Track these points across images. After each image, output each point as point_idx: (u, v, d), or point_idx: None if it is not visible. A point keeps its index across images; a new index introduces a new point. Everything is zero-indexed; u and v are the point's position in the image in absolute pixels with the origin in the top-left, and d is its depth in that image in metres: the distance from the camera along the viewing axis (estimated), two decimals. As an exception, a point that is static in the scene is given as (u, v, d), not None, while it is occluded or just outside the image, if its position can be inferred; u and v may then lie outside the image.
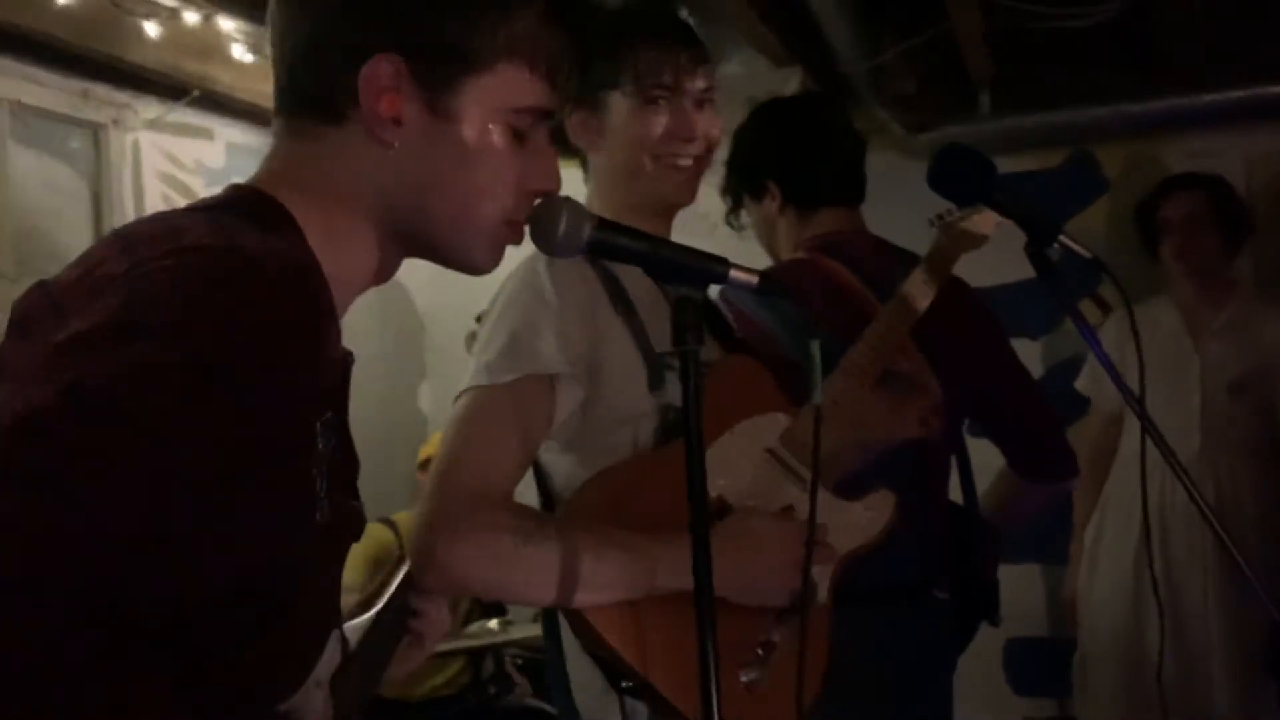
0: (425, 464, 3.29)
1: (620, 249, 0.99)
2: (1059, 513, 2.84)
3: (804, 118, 1.98)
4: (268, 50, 0.94)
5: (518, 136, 0.91)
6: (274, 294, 0.73)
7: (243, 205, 0.85)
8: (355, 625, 1.14)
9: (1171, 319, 2.83)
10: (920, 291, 1.58)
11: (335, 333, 0.83)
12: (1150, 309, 2.81)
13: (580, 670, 1.39)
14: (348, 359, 0.92)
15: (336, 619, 0.96)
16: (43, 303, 0.76)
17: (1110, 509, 2.84)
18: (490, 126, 0.89)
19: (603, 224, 0.99)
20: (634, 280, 1.43)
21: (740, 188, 1.98)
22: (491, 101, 0.89)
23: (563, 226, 0.96)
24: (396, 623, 1.21)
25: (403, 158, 0.88)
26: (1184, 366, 2.78)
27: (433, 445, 3.27)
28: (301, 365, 0.74)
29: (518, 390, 1.30)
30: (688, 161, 1.48)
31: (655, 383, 1.41)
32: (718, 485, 1.40)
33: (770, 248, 1.99)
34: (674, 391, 1.38)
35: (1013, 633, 3.21)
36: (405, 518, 3.26)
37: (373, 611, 1.18)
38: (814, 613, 1.40)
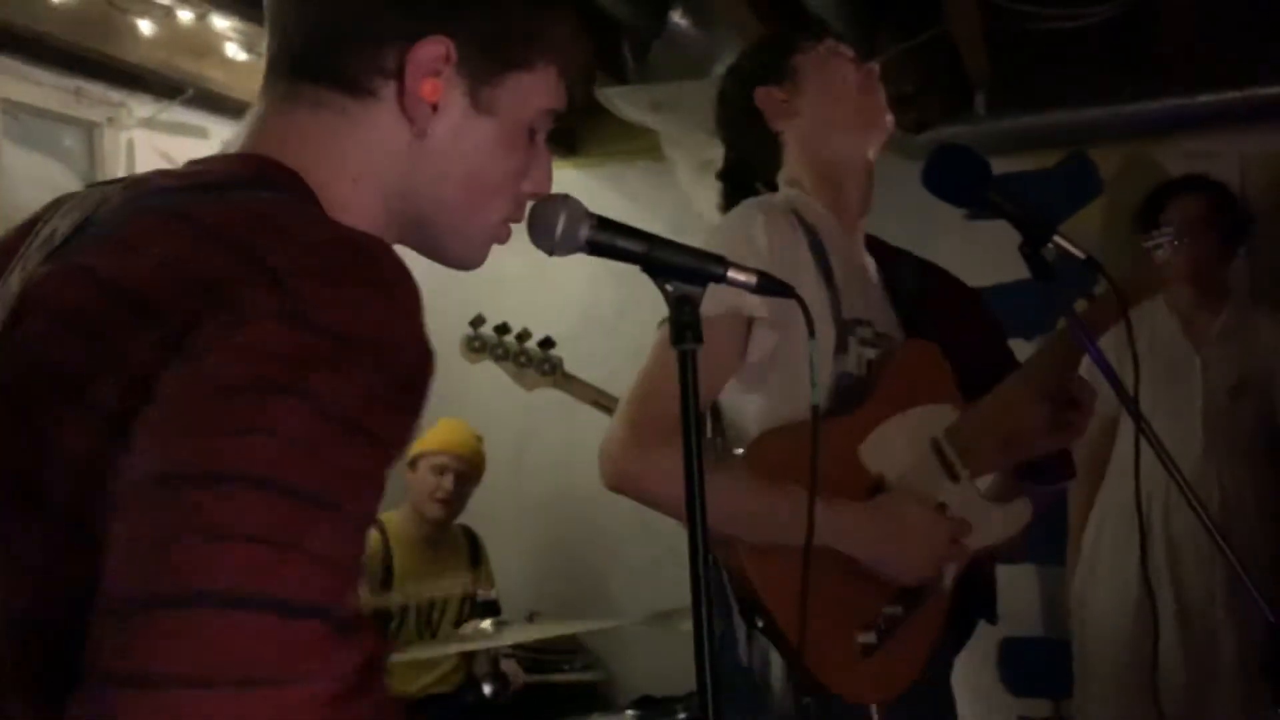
0: (412, 462, 3.25)
1: (619, 248, 0.99)
2: (1054, 514, 2.84)
3: None
4: (262, 48, 0.92)
5: (531, 137, 0.91)
6: (413, 287, 0.73)
7: (274, 182, 0.81)
8: None
9: (1168, 322, 2.83)
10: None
11: None
12: (1146, 312, 2.81)
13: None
14: None
15: None
16: (104, 298, 0.69)
17: (1111, 511, 2.84)
18: (519, 125, 0.89)
19: (602, 222, 0.99)
20: (835, 244, 1.56)
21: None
22: (526, 100, 0.89)
23: (561, 225, 0.96)
24: None
25: (431, 145, 0.86)
26: (1184, 370, 2.78)
27: (420, 443, 3.24)
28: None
29: (716, 325, 1.37)
30: None
31: (840, 347, 1.53)
32: (880, 465, 1.53)
33: None
34: (854, 360, 1.56)
35: (1008, 633, 3.21)
36: (392, 517, 3.24)
37: None
38: (935, 599, 1.55)
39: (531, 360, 2.38)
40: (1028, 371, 1.61)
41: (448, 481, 3.22)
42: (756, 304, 1.43)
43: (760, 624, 1.45)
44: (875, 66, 1.70)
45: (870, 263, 1.70)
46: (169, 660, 0.57)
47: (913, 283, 1.83)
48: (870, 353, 1.58)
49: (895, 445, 1.54)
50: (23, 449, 0.68)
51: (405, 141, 0.86)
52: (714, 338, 1.40)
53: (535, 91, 0.89)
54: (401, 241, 0.91)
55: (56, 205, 0.82)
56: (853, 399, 1.54)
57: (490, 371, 2.42)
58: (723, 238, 1.48)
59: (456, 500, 3.25)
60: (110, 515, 0.62)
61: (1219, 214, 2.83)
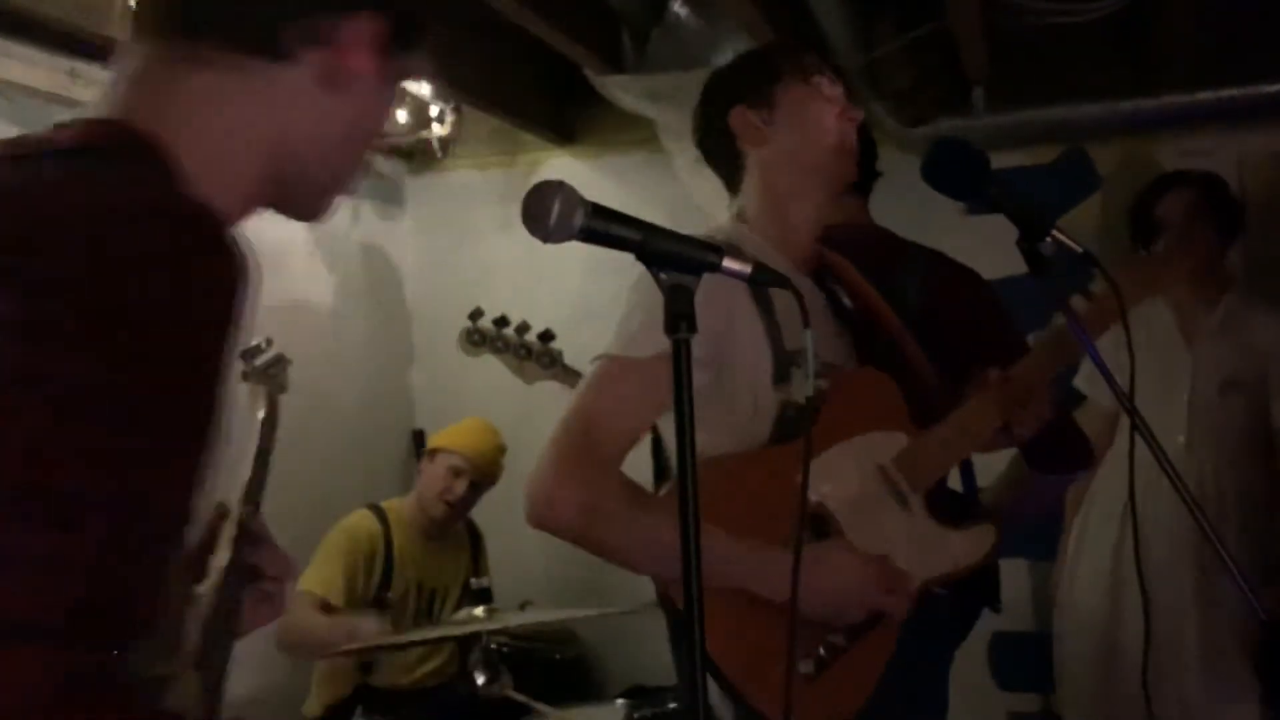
0: (431, 453, 3.24)
1: (613, 235, 0.99)
2: (1047, 509, 2.85)
3: None
4: None
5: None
6: (224, 261, 0.74)
7: (108, 150, 0.81)
8: (202, 595, 1.17)
9: (1164, 317, 2.83)
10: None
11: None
12: (1143, 306, 2.81)
13: None
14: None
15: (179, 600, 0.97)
16: None
17: (1096, 505, 2.85)
18: (382, 81, 0.95)
19: (596, 210, 0.98)
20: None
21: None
22: (398, 72, 0.95)
23: (556, 212, 0.96)
24: (238, 582, 1.21)
25: (333, 108, 0.91)
26: (1175, 364, 2.78)
27: (443, 436, 3.24)
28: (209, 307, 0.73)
29: (649, 366, 1.39)
30: None
31: (780, 377, 1.51)
32: (822, 491, 1.50)
33: None
34: (797, 389, 1.53)
35: (998, 627, 3.22)
36: (395, 505, 3.23)
37: (210, 579, 1.19)
38: (883, 629, 1.51)
39: (532, 353, 2.38)
40: (980, 390, 1.60)
41: (460, 486, 3.17)
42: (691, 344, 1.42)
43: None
44: (859, 114, 1.68)
45: (819, 296, 1.68)
46: None
47: (915, 274, 1.82)
48: (819, 383, 1.56)
49: (839, 472, 1.52)
50: None
51: (309, 104, 0.89)
52: (647, 378, 1.41)
53: (404, 66, 0.96)
54: (260, 203, 0.93)
55: None
56: (796, 428, 1.53)
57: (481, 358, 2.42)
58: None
59: (465, 506, 3.22)
60: None
61: (1212, 206, 2.82)
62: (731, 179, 1.71)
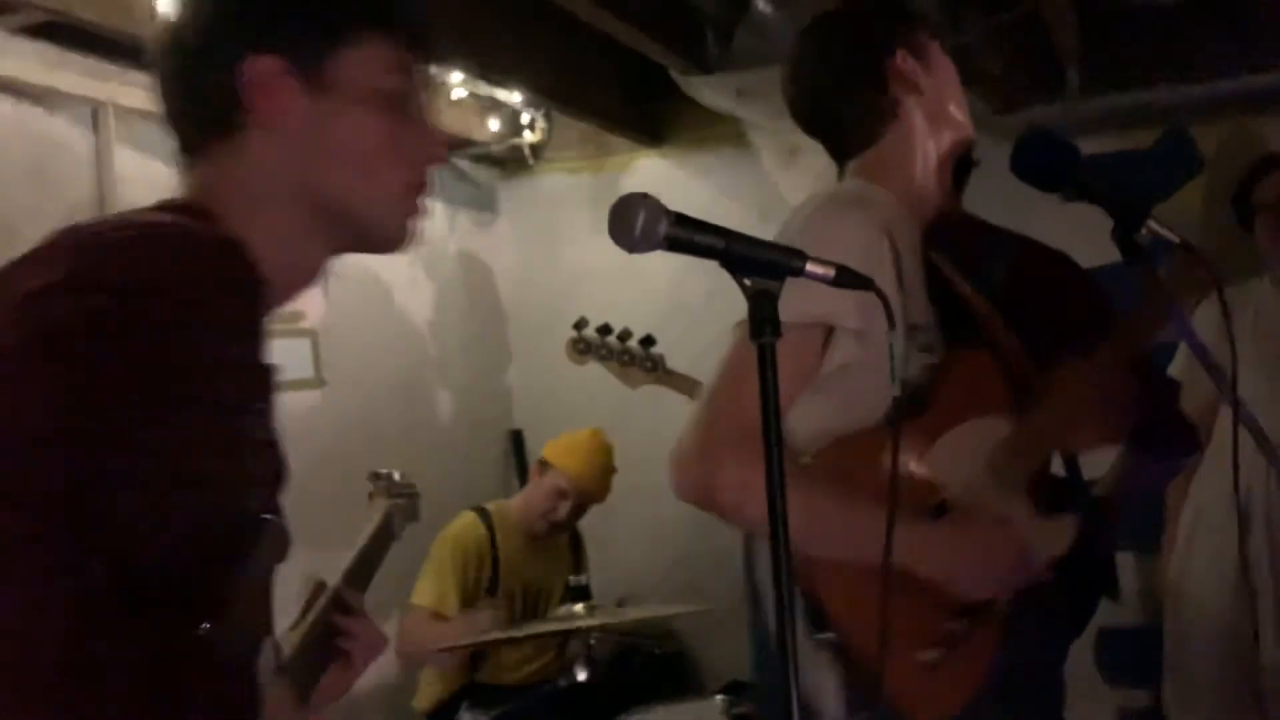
0: (543, 463, 3.24)
1: (697, 243, 1.01)
2: (1151, 499, 2.78)
3: None
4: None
5: (397, 106, 0.98)
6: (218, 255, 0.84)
7: (175, 209, 0.92)
8: (285, 639, 1.18)
9: (1272, 300, 2.74)
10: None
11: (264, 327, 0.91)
12: (1249, 290, 2.72)
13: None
14: (273, 370, 0.97)
15: (267, 623, 1.00)
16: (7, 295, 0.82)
17: (1208, 497, 2.76)
18: (370, 96, 0.96)
19: (680, 219, 0.99)
20: (905, 244, 1.54)
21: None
22: (365, 72, 0.96)
23: (640, 223, 0.97)
24: (324, 645, 1.24)
25: (300, 141, 0.95)
26: (1285, 349, 2.69)
27: (557, 449, 3.22)
28: (238, 322, 0.85)
29: (796, 333, 1.35)
30: None
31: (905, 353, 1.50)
32: (942, 476, 1.51)
33: None
34: (914, 366, 1.52)
35: (1104, 622, 3.15)
36: (498, 506, 3.28)
37: (300, 630, 1.22)
38: (993, 617, 1.51)
39: (635, 359, 2.42)
40: (1066, 381, 1.57)
41: (564, 509, 3.18)
42: (843, 314, 1.42)
43: (824, 635, 1.44)
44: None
45: (920, 265, 1.66)
46: None
47: (1003, 260, 1.79)
48: (927, 358, 1.55)
49: (955, 458, 1.51)
50: None
51: (280, 150, 0.95)
52: (792, 346, 1.39)
53: (369, 61, 0.97)
54: (334, 248, 0.99)
55: None
56: (912, 408, 1.52)
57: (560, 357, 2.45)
58: (809, 238, 1.42)
59: (567, 526, 3.25)
60: None
61: None
62: (866, 133, 1.63)
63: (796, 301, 1.35)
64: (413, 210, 1.00)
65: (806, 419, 1.50)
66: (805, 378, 1.46)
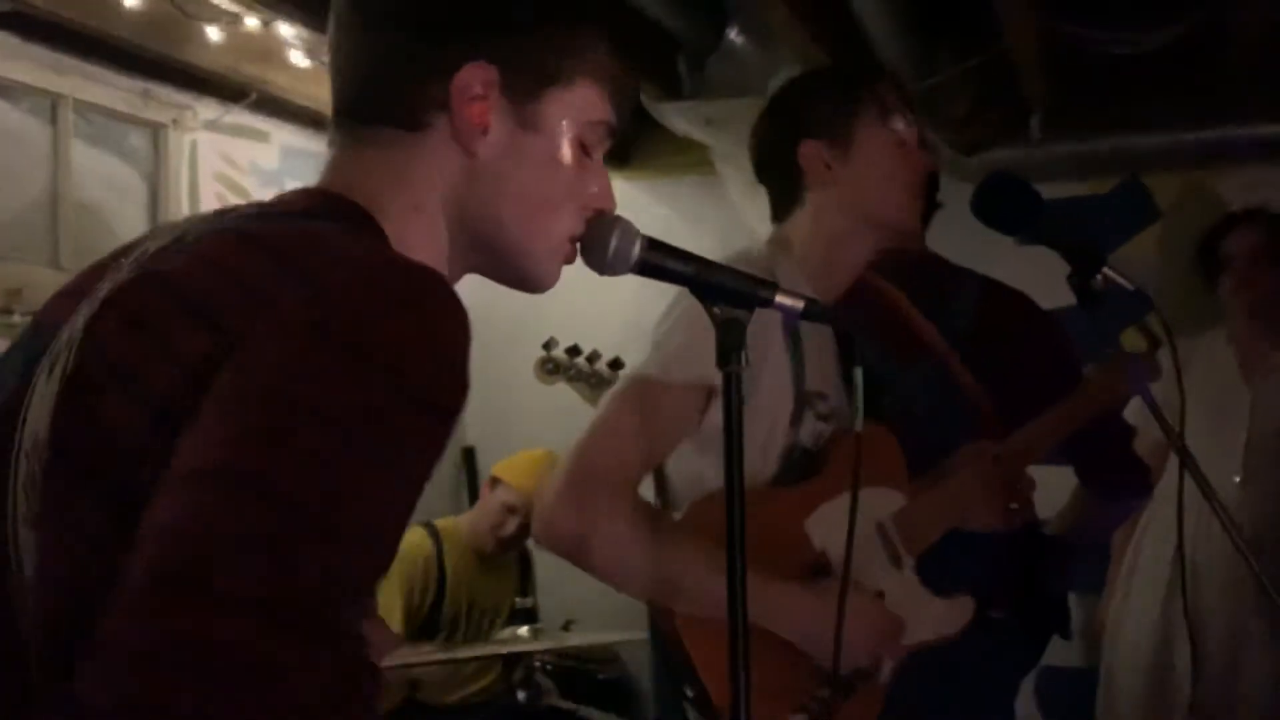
0: (494, 480, 3.23)
1: (668, 269, 1.00)
2: (1102, 540, 2.81)
3: None
4: (324, 56, 0.96)
5: (585, 152, 0.94)
6: (457, 316, 0.76)
7: (336, 213, 0.86)
8: None
9: (1225, 354, 2.79)
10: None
11: None
12: (1205, 342, 2.77)
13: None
14: None
15: None
16: (167, 303, 0.75)
17: (1147, 540, 2.80)
18: (568, 140, 0.93)
19: (653, 244, 0.99)
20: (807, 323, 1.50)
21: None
22: (570, 115, 0.92)
23: (614, 245, 0.97)
24: None
25: (485, 166, 0.90)
26: (1234, 402, 2.74)
27: (507, 467, 3.21)
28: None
29: (678, 394, 1.39)
30: None
31: (795, 419, 1.49)
32: (824, 541, 1.49)
33: None
34: (808, 432, 1.52)
35: (1045, 661, 3.17)
36: (447, 524, 3.25)
37: None
38: (870, 690, 1.48)
39: (604, 381, 2.41)
40: (972, 453, 1.59)
41: (513, 525, 3.16)
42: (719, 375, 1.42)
43: (690, 694, 1.42)
44: (932, 163, 1.62)
45: (830, 336, 1.63)
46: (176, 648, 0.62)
47: (968, 298, 1.80)
48: (823, 427, 1.54)
49: (839, 525, 1.51)
50: (82, 429, 0.74)
51: (460, 166, 0.90)
52: (674, 405, 1.40)
53: (577, 106, 0.93)
54: (473, 269, 0.96)
55: (155, 232, 0.89)
56: (802, 472, 1.51)
57: (529, 378, 2.43)
58: (692, 301, 1.45)
59: (515, 543, 3.22)
60: (152, 499, 0.67)
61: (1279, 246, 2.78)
62: (782, 208, 1.63)
63: (685, 363, 1.38)
64: (568, 257, 0.97)
65: (684, 475, 1.50)
66: (681, 434, 1.45)
